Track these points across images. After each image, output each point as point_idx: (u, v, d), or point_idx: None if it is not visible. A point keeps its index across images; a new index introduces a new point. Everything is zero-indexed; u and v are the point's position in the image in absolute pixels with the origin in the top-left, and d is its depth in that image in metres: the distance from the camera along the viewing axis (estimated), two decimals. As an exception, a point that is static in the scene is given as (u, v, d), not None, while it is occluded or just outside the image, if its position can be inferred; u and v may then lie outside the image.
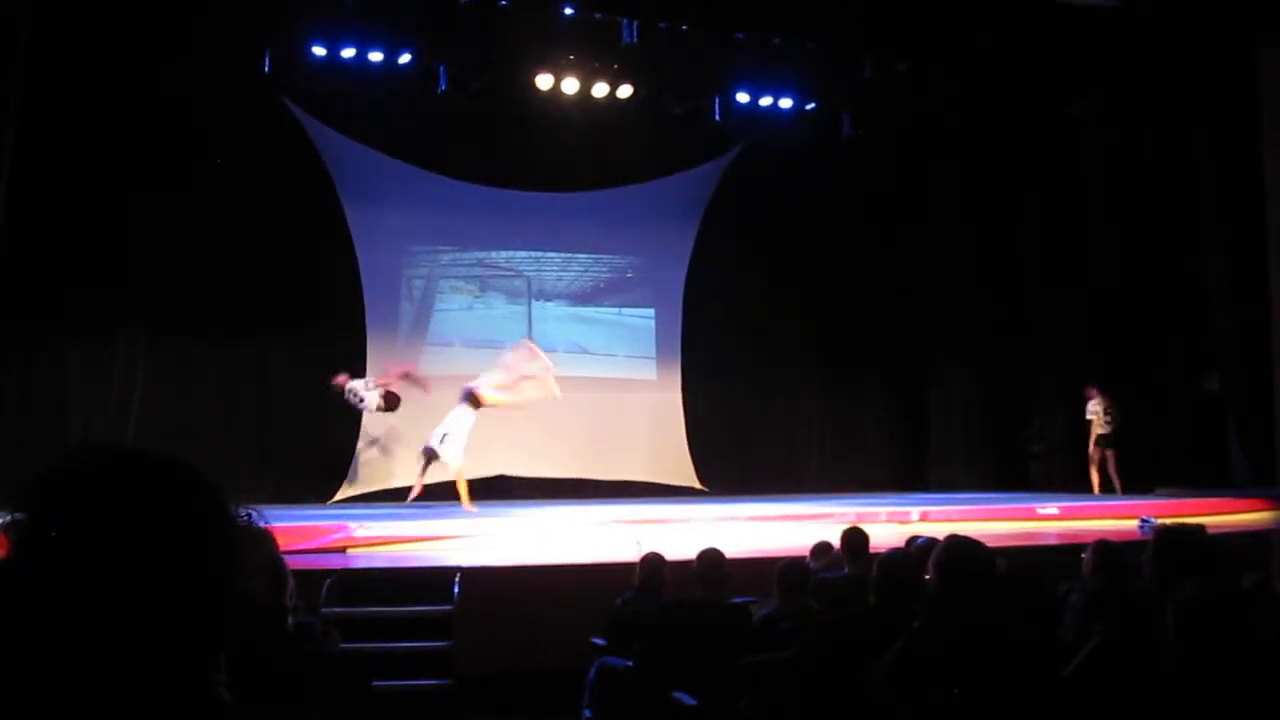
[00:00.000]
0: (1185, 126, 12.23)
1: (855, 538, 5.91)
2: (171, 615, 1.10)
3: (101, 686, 1.06)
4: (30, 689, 1.06)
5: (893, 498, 12.19)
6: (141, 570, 1.09)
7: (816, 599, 5.11)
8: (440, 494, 12.38)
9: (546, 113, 12.87)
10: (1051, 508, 10.70)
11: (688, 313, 14.32)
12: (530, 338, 12.44)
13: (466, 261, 13.82)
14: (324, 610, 6.46)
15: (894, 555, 4.23)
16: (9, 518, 1.11)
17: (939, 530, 7.87)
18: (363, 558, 8.07)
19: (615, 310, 14.28)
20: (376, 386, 11.78)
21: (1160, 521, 6.63)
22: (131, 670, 1.07)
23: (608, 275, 14.29)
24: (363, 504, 11.89)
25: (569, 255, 14.10)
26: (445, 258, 13.73)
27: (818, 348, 14.57)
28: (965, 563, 3.21)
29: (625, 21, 11.89)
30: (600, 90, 12.74)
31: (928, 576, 3.29)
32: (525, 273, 13.93)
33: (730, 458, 14.33)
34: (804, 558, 5.97)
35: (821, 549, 6.18)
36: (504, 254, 13.90)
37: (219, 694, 1.15)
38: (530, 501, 12.11)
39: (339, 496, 12.29)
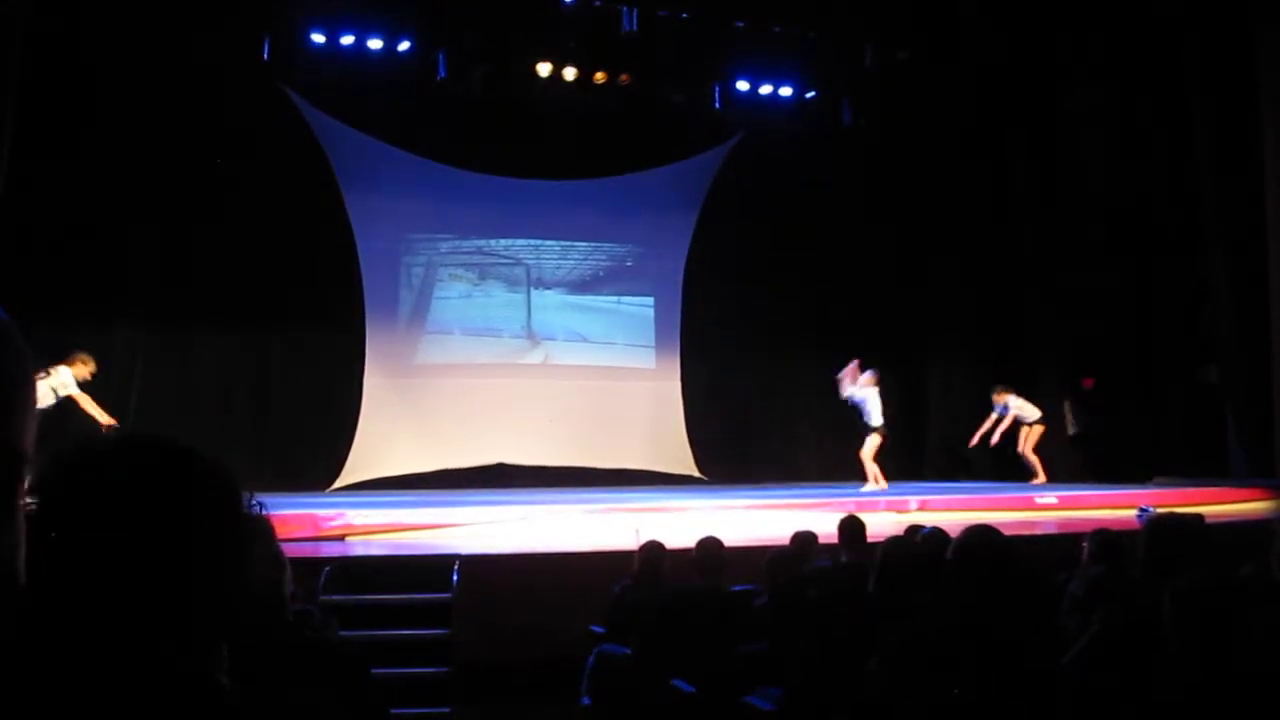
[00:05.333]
0: (1185, 118, 12.21)
1: (852, 526, 5.92)
2: (176, 603, 1.10)
3: (104, 673, 1.06)
4: (34, 673, 1.06)
5: (891, 487, 12.20)
6: (147, 559, 1.09)
7: (814, 587, 5.12)
8: (437, 483, 12.41)
9: (546, 100, 12.86)
10: (1050, 497, 10.72)
11: (687, 301, 14.31)
12: None
13: (466, 249, 13.81)
14: (322, 598, 6.47)
15: (897, 542, 4.23)
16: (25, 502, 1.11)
17: (938, 520, 7.90)
18: (361, 545, 8.07)
19: (614, 298, 14.28)
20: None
21: (1157, 510, 6.63)
22: (135, 657, 1.07)
23: (607, 263, 14.28)
24: (361, 492, 11.90)
25: (568, 243, 14.09)
26: (444, 245, 13.72)
27: (817, 336, 14.56)
28: (987, 554, 3.20)
29: (625, 9, 11.87)
30: (600, 78, 12.71)
31: (948, 558, 3.28)
32: (524, 261, 13.92)
33: (729, 446, 14.33)
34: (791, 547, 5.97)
35: (806, 539, 6.12)
36: (503, 242, 13.89)
37: (219, 681, 1.16)
38: (529, 489, 12.12)
39: (337, 484, 12.30)
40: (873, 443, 12.34)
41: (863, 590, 4.23)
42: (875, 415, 12.36)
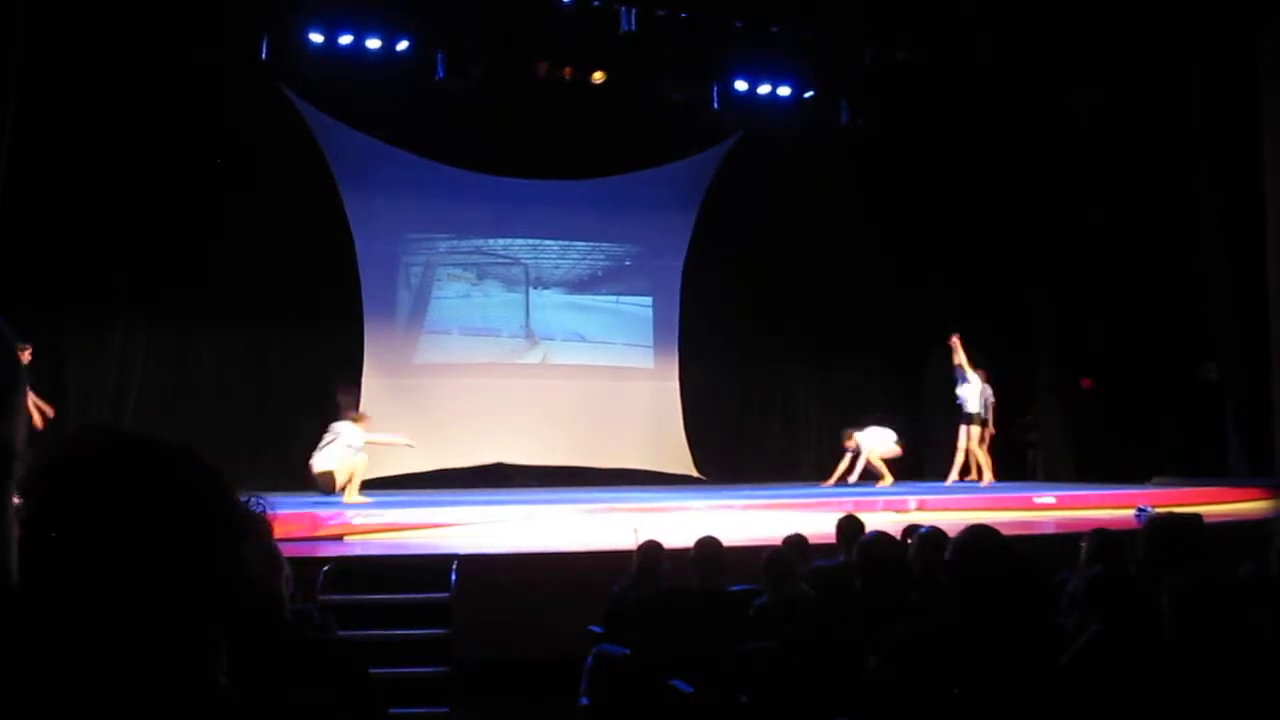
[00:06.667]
0: (1185, 116, 12.22)
1: (850, 526, 5.91)
2: (173, 602, 1.10)
3: (101, 673, 1.06)
4: (31, 674, 1.05)
5: (890, 487, 12.21)
6: (144, 558, 1.09)
7: (812, 586, 5.12)
8: (436, 483, 12.40)
9: (545, 100, 12.86)
10: (1048, 497, 10.72)
11: (685, 301, 14.31)
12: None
13: (464, 249, 13.81)
14: (321, 598, 6.46)
15: (873, 539, 4.21)
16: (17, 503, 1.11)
17: (936, 519, 7.89)
18: (360, 545, 8.07)
19: (613, 298, 14.28)
20: None
21: (1156, 510, 6.64)
22: (132, 657, 1.07)
23: (605, 263, 14.28)
24: (360, 491, 11.88)
25: (567, 243, 14.09)
26: (443, 245, 13.72)
27: (816, 337, 14.57)
28: (986, 554, 3.20)
29: (623, 9, 11.87)
30: (598, 77, 12.72)
31: (946, 558, 3.28)
32: (523, 260, 13.91)
33: (728, 446, 14.34)
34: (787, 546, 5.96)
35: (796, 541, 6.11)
36: (502, 241, 13.89)
37: (217, 680, 1.15)
38: (528, 489, 12.13)
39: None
40: (974, 433, 12.42)
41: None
42: (974, 402, 12.41)
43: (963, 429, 12.51)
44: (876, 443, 12.57)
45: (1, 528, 1.00)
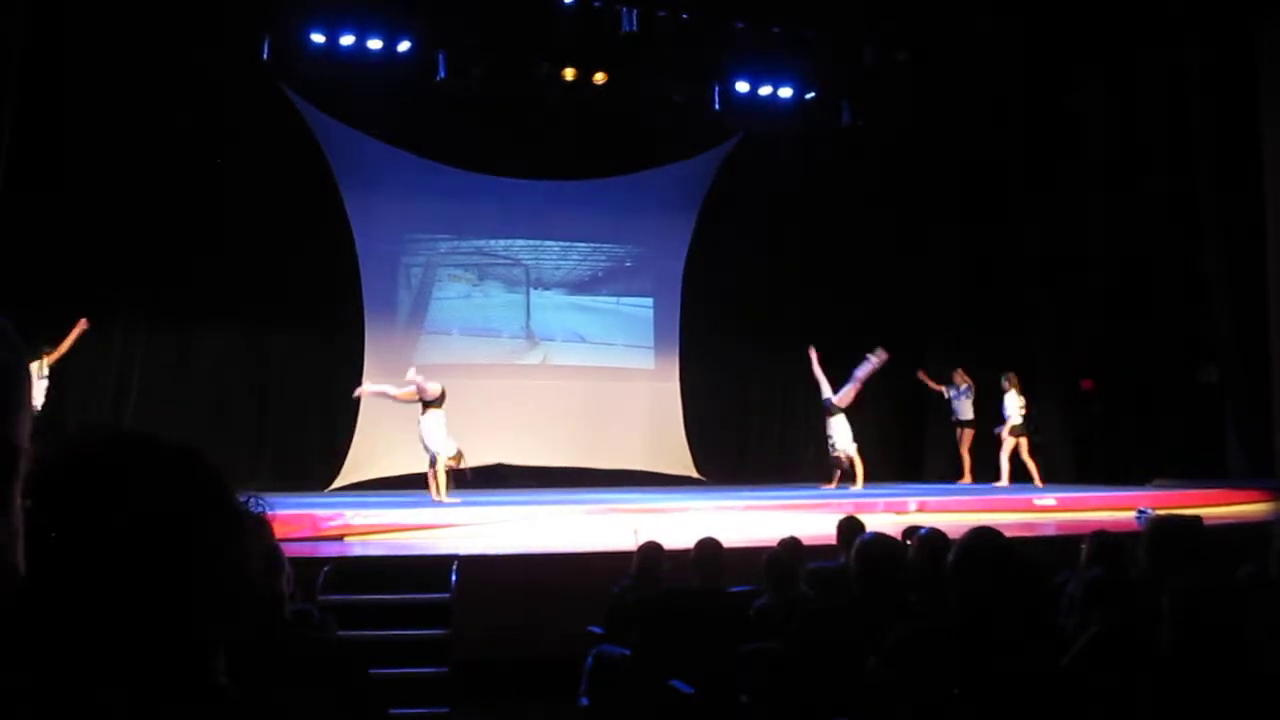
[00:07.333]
0: (1185, 117, 12.22)
1: (851, 527, 5.91)
2: (174, 602, 1.10)
3: (102, 673, 1.06)
4: (31, 673, 1.05)
5: (890, 488, 12.20)
6: (145, 558, 1.09)
7: (811, 587, 5.12)
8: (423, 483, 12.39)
9: (546, 101, 12.87)
10: (1049, 498, 10.73)
11: (686, 302, 14.31)
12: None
13: (465, 250, 13.81)
14: (321, 598, 6.47)
15: (872, 540, 4.21)
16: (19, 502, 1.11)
17: (936, 521, 7.89)
18: (360, 545, 8.08)
19: (614, 299, 14.28)
20: None
21: (1156, 512, 6.64)
22: (132, 656, 1.07)
23: (606, 264, 14.28)
24: (360, 491, 11.90)
25: (567, 244, 14.09)
26: (443, 246, 13.72)
27: (816, 337, 14.54)
28: (989, 554, 3.20)
29: (624, 9, 11.89)
30: (599, 78, 12.73)
31: (950, 560, 3.27)
32: (524, 261, 13.92)
33: (728, 447, 14.34)
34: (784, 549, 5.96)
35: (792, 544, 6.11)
36: (502, 242, 13.89)
37: (218, 680, 1.15)
38: (528, 490, 12.12)
39: (336, 484, 12.29)
40: (1010, 444, 12.60)
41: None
42: (1015, 414, 12.62)
43: (1007, 438, 12.65)
44: (848, 433, 12.54)
45: (6, 526, 1.00)
